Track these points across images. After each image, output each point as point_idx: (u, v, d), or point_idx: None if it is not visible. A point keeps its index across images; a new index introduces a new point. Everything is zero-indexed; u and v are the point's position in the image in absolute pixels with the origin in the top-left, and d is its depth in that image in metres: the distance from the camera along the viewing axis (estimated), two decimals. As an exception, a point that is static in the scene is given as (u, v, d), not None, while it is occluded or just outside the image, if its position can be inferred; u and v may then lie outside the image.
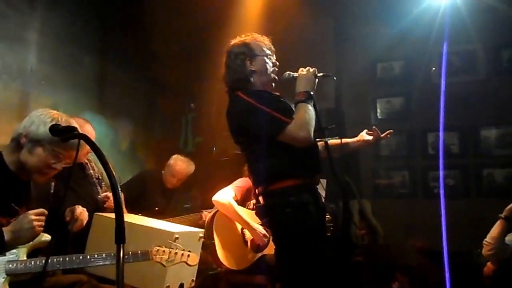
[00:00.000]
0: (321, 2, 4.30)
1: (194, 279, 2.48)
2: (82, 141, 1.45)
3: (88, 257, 1.83)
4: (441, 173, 3.99)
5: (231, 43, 2.25)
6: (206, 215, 3.63)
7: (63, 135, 1.50)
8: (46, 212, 1.73)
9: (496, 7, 3.80)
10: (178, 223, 3.35)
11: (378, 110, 4.53)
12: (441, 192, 3.87)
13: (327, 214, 3.47)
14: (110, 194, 2.68)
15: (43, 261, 1.67)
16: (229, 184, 3.23)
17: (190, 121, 5.08)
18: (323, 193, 3.57)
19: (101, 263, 1.85)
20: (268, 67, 2.17)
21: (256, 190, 2.16)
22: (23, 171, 1.84)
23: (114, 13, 4.27)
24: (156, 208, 3.44)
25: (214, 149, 4.74)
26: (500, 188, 4.03)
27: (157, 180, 3.70)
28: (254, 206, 2.23)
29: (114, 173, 1.23)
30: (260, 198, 2.13)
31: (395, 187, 4.44)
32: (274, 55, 2.22)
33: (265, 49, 2.20)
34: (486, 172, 4.12)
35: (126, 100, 4.45)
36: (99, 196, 2.69)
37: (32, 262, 1.69)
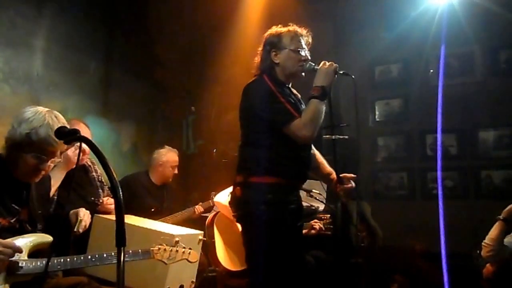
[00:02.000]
0: (319, 5, 4.33)
1: (194, 280, 2.50)
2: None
3: (89, 257, 1.84)
4: (439, 174, 3.99)
5: (269, 32, 2.27)
6: (199, 209, 3.67)
7: (66, 138, 1.52)
8: (16, 247, 1.65)
9: (493, 9, 3.81)
10: (172, 221, 3.37)
11: (377, 112, 4.54)
12: (440, 193, 3.87)
13: (326, 215, 3.51)
14: (105, 199, 2.68)
15: (44, 262, 1.68)
16: (229, 186, 3.25)
17: (191, 123, 5.11)
18: (324, 194, 3.60)
19: (102, 263, 1.86)
20: (291, 62, 2.18)
21: (236, 178, 2.15)
22: (17, 173, 1.85)
23: (119, 20, 4.32)
24: (153, 210, 3.43)
25: (214, 151, 4.77)
26: (499, 190, 4.02)
27: (144, 182, 3.62)
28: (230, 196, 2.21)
29: (114, 175, 1.25)
30: (238, 189, 2.12)
31: (394, 189, 4.45)
32: (306, 51, 2.21)
33: (297, 42, 2.19)
34: (485, 173, 4.12)
35: (129, 103, 4.49)
36: (92, 199, 2.67)
37: (33, 263, 1.69)
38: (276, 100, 2.06)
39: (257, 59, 2.26)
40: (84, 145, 1.41)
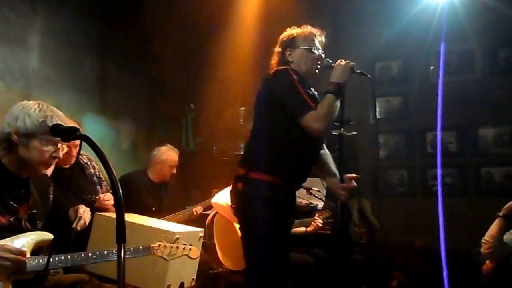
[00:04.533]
0: (318, 2, 4.32)
1: (195, 278, 2.50)
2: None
3: (90, 254, 1.84)
4: (439, 171, 4.01)
5: (283, 34, 2.32)
6: (197, 210, 3.65)
7: (65, 135, 1.52)
8: (24, 252, 1.65)
9: (493, 6, 3.82)
10: (171, 220, 3.37)
11: (377, 110, 4.55)
12: (440, 190, 3.89)
13: (327, 211, 3.52)
14: (101, 195, 2.66)
15: (45, 260, 1.68)
16: (229, 184, 3.25)
17: (190, 121, 5.10)
18: (323, 192, 3.61)
19: (102, 260, 1.86)
20: (305, 60, 2.22)
21: (238, 170, 2.21)
22: (22, 168, 1.83)
23: (115, 16, 4.30)
24: (154, 208, 3.42)
25: (214, 148, 4.77)
26: (499, 187, 4.05)
27: (143, 180, 3.60)
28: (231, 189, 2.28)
29: (114, 173, 1.24)
30: (238, 182, 2.18)
31: (394, 186, 4.46)
32: (320, 50, 2.25)
33: (309, 42, 2.24)
34: (485, 170, 4.14)
35: (127, 101, 4.48)
36: (90, 196, 2.63)
37: (35, 261, 1.69)
38: (296, 90, 2.10)
39: (273, 60, 2.31)
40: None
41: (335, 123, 2.17)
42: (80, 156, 2.72)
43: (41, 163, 1.81)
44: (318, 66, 2.26)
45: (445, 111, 3.87)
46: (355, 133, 2.26)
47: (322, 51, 2.27)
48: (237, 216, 2.26)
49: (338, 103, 2.10)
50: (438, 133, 4.03)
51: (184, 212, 3.65)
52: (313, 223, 3.44)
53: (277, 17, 4.00)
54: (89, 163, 2.78)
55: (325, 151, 2.39)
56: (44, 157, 1.79)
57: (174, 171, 3.67)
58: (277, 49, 2.30)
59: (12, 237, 1.72)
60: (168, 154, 3.63)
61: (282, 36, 2.31)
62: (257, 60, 4.26)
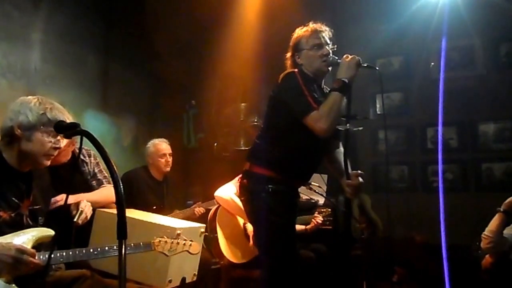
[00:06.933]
0: (319, -2, 4.32)
1: (196, 273, 2.51)
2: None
3: (91, 250, 1.86)
4: (440, 167, 4.01)
5: (293, 36, 2.35)
6: (199, 211, 3.66)
7: (66, 131, 1.53)
8: (34, 253, 1.67)
9: (494, 1, 3.81)
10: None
11: (378, 105, 4.55)
12: (440, 186, 3.89)
13: (327, 209, 3.54)
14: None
15: (47, 256, 1.69)
16: (230, 179, 3.27)
17: (191, 117, 5.11)
18: (324, 187, 3.62)
19: (103, 256, 1.88)
20: (311, 59, 2.24)
21: (245, 164, 2.31)
22: (24, 162, 1.85)
23: (117, 13, 4.31)
24: (154, 207, 3.42)
25: (215, 144, 4.78)
26: (499, 182, 4.05)
27: (145, 177, 3.60)
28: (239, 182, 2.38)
29: (115, 169, 1.25)
30: (244, 177, 2.29)
31: (395, 182, 4.47)
32: (326, 45, 2.25)
33: (314, 40, 2.25)
34: (485, 166, 4.14)
35: (129, 97, 4.49)
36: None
37: (36, 257, 1.71)
38: (299, 92, 2.13)
39: (287, 64, 2.35)
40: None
41: (341, 118, 2.18)
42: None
43: (43, 155, 1.85)
44: (327, 63, 2.27)
45: (446, 106, 3.86)
46: (361, 128, 2.26)
47: (332, 46, 2.27)
48: (245, 209, 2.35)
49: (343, 100, 2.10)
50: (439, 128, 4.03)
51: (184, 211, 3.66)
52: (313, 220, 3.45)
53: (278, 14, 3.99)
54: (87, 159, 2.72)
55: (340, 149, 2.40)
56: (45, 149, 1.83)
57: (169, 160, 3.64)
58: (288, 54, 2.33)
59: (13, 234, 1.73)
60: (154, 145, 3.64)
61: (290, 41, 2.33)
62: (258, 56, 4.27)
